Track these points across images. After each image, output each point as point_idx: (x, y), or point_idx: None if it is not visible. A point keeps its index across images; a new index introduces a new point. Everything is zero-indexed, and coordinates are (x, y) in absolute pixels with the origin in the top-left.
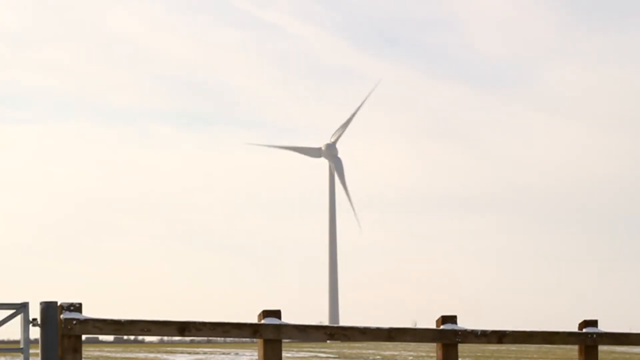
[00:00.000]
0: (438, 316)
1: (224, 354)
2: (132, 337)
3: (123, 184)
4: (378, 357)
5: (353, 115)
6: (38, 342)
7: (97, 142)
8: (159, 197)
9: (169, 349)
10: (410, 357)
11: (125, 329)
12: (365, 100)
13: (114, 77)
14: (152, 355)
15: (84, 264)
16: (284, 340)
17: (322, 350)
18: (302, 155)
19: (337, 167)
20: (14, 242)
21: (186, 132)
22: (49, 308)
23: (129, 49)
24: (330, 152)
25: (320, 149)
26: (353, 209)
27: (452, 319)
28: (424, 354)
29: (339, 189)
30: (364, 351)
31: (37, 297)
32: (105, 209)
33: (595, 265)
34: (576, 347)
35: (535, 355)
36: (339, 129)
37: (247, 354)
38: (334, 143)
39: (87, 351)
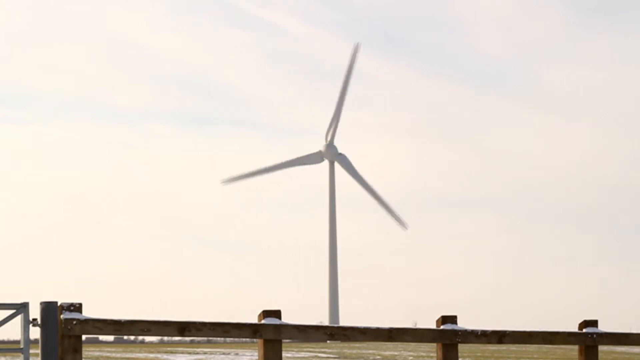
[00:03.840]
0: (438, 316)
1: (224, 354)
2: (132, 337)
3: (123, 184)
4: (378, 357)
5: (340, 105)
6: (38, 342)
7: (97, 142)
8: (158, 197)
9: (169, 349)
10: (410, 357)
11: (125, 329)
12: (347, 85)
13: (114, 77)
14: (152, 355)
15: (84, 264)
16: (284, 340)
17: (322, 350)
18: (301, 145)
19: (344, 164)
20: (14, 242)
21: (186, 132)
22: (49, 308)
23: (129, 49)
24: (330, 151)
25: (320, 152)
26: (387, 208)
27: (452, 319)
28: (424, 354)
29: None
30: (364, 351)
31: (37, 297)
32: (105, 209)
33: (595, 265)
34: (576, 347)
35: (535, 355)
36: (330, 125)
37: (247, 354)
38: (332, 142)
39: (87, 351)
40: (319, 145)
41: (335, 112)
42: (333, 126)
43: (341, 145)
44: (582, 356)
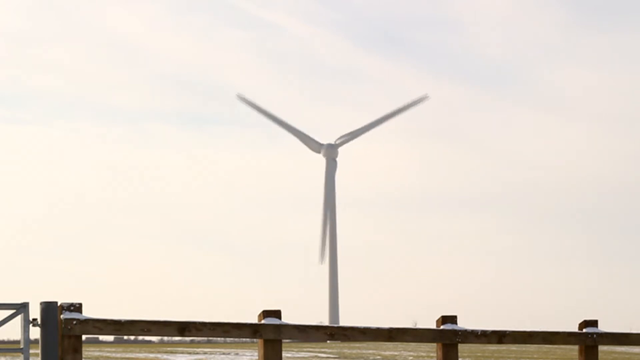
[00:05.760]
0: (438, 316)
1: (224, 354)
2: (132, 337)
3: (123, 183)
4: (378, 357)
5: (369, 126)
6: (38, 342)
7: (97, 142)
8: (158, 197)
9: (169, 349)
10: (410, 357)
11: (125, 329)
12: (390, 115)
13: (114, 77)
14: (152, 355)
15: (84, 264)
16: (284, 340)
17: (322, 350)
18: (302, 145)
19: (330, 168)
20: (14, 242)
21: (186, 132)
22: (49, 308)
23: (129, 49)
24: (329, 152)
25: (322, 145)
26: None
27: (452, 319)
28: (424, 354)
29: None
30: (364, 351)
31: (37, 297)
32: (105, 209)
33: (595, 265)
34: (576, 347)
35: (535, 355)
36: (347, 134)
37: (247, 354)
38: (337, 145)
39: (87, 351)
40: (323, 141)
41: (363, 127)
42: (348, 137)
43: (341, 146)
44: (582, 356)
